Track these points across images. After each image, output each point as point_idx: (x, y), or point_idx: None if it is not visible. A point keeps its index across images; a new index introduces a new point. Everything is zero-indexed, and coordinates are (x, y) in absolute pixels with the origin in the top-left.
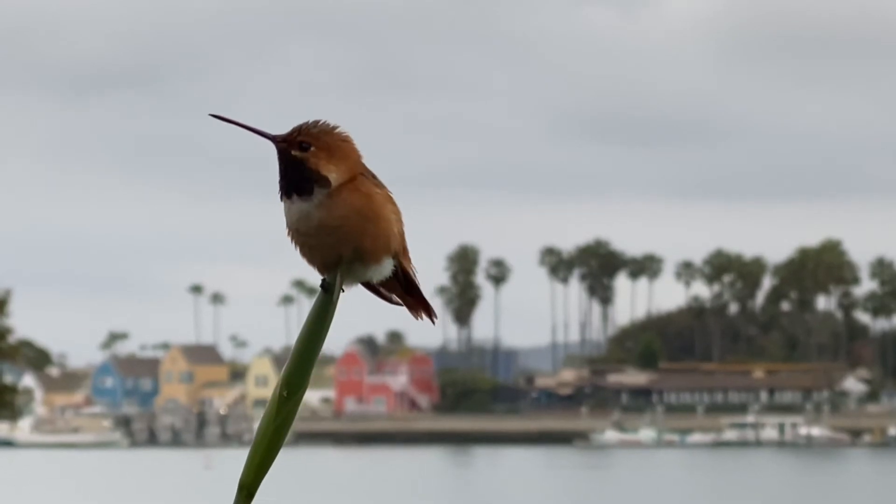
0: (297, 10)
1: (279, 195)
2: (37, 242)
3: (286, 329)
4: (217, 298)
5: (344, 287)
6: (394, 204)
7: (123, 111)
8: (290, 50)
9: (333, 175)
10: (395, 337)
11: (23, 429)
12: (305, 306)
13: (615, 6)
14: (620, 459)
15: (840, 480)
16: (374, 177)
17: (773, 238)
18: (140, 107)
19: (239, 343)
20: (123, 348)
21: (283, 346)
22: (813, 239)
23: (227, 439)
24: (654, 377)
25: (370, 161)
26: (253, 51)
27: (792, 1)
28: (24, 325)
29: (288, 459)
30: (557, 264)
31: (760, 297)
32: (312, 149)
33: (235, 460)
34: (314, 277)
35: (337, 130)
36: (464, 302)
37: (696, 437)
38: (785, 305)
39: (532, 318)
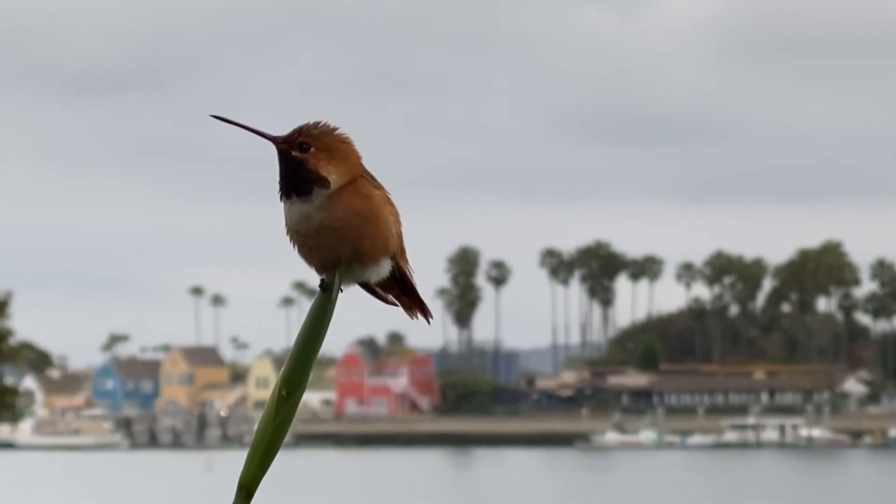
0: (297, 11)
1: (279, 196)
2: (37, 244)
3: (287, 331)
4: (218, 300)
5: (342, 287)
6: (392, 205)
7: (124, 112)
8: (291, 50)
9: (333, 176)
10: (395, 338)
11: (23, 431)
12: (306, 308)
13: (615, 7)
14: (621, 461)
15: (841, 482)
16: (373, 178)
17: (773, 239)
18: (140, 107)
19: (239, 345)
20: (124, 350)
21: (283, 347)
22: (813, 240)
23: (227, 441)
24: (654, 379)
25: (370, 162)
26: (253, 51)
27: (792, 1)
28: (25, 327)
29: (289, 461)
30: (558, 266)
31: (761, 299)
32: (312, 150)
33: (236, 462)
34: (315, 279)
35: (337, 132)
36: (464, 303)
37: (697, 439)
38: (785, 307)
39: (533, 319)
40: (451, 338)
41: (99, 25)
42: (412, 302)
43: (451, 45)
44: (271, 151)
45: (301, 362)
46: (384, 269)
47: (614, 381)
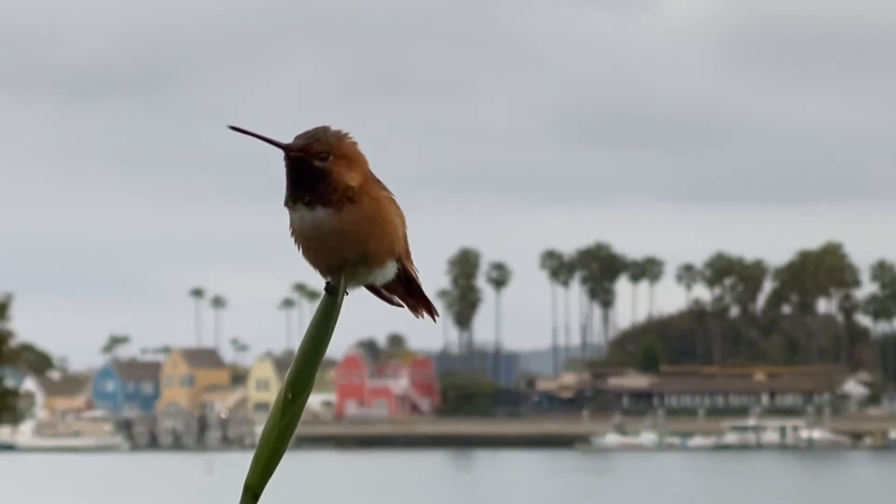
0: (297, 13)
1: (288, 202)
2: (37, 246)
3: (287, 332)
4: (218, 302)
5: (348, 290)
6: (398, 207)
7: (124, 113)
8: (291, 52)
9: (355, 184)
10: (396, 340)
11: (24, 433)
12: (306, 310)
13: (615, 8)
14: (621, 462)
15: (841, 483)
16: (378, 180)
17: (773, 241)
18: (141, 109)
19: (240, 347)
20: (124, 352)
21: (284, 349)
22: (814, 242)
23: (228, 443)
24: (655, 380)
25: (371, 163)
26: (254, 54)
27: (792, 2)
28: (26, 329)
29: (289, 463)
30: (558, 267)
31: (761, 301)
32: (332, 158)
33: (237, 464)
34: (315, 281)
35: (349, 137)
36: (465, 305)
37: (698, 441)
38: (786, 308)
39: (533, 321)
40: (451, 339)
41: (99, 27)
42: (417, 302)
43: (452, 47)
44: (272, 154)
45: (306, 365)
46: (390, 271)
47: (615, 382)
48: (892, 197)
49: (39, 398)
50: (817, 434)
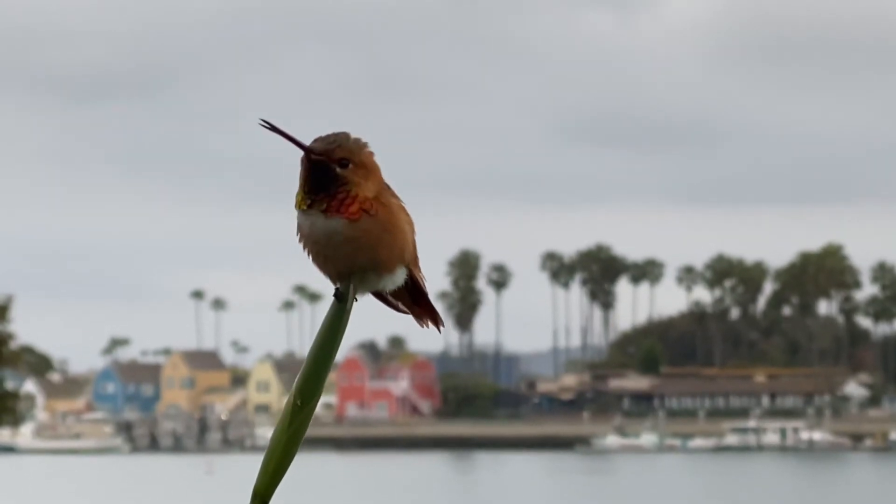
0: (297, 15)
1: (301, 205)
2: (38, 248)
3: (287, 334)
4: (218, 304)
5: (357, 297)
6: (407, 214)
7: (124, 116)
8: (292, 54)
9: (371, 195)
10: (396, 342)
11: (24, 435)
12: (307, 312)
13: (615, 11)
14: (622, 464)
15: (842, 485)
16: (388, 186)
17: (774, 243)
18: (141, 113)
19: (240, 348)
20: (125, 354)
21: (284, 351)
22: (814, 243)
23: (228, 445)
24: (655, 382)
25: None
26: (255, 55)
27: (793, 4)
28: (26, 331)
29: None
30: (559, 269)
31: (762, 302)
32: (351, 166)
33: (237, 465)
34: (316, 282)
35: (368, 146)
36: (465, 307)
37: (698, 442)
38: (786, 310)
39: (533, 323)
40: (451, 341)
41: (101, 31)
42: (423, 311)
43: (452, 49)
44: (273, 157)
45: (315, 372)
46: (399, 277)
47: (615, 384)
48: (892, 198)
49: (40, 400)
50: (818, 435)
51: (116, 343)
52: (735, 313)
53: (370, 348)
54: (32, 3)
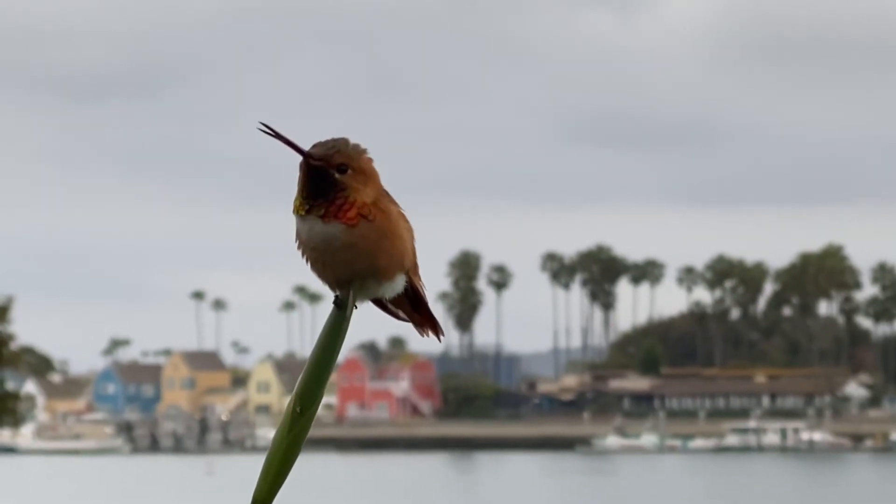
0: (297, 16)
1: (299, 210)
2: (38, 249)
3: (288, 335)
4: (219, 304)
5: (356, 304)
6: (406, 221)
7: (125, 117)
8: (292, 54)
9: (370, 201)
10: (396, 343)
11: (25, 435)
12: (307, 312)
13: (615, 11)
14: (622, 465)
15: (842, 485)
16: (387, 193)
17: (774, 243)
18: (141, 113)
19: (241, 349)
20: (125, 355)
21: (285, 351)
22: (814, 244)
23: (228, 445)
24: (655, 382)
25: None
26: (254, 56)
27: (792, 4)
28: (26, 331)
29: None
30: (559, 270)
31: (762, 303)
32: (350, 171)
33: (237, 466)
34: (316, 284)
35: (367, 152)
36: (465, 308)
37: (698, 443)
38: (787, 311)
39: (534, 323)
40: (452, 342)
41: (102, 32)
42: (423, 318)
43: (452, 49)
44: (273, 158)
45: (315, 378)
46: (398, 284)
47: (615, 384)
48: (892, 199)
49: (40, 401)
50: (818, 436)
51: (117, 344)
52: (735, 314)
53: (371, 349)
54: (32, 3)
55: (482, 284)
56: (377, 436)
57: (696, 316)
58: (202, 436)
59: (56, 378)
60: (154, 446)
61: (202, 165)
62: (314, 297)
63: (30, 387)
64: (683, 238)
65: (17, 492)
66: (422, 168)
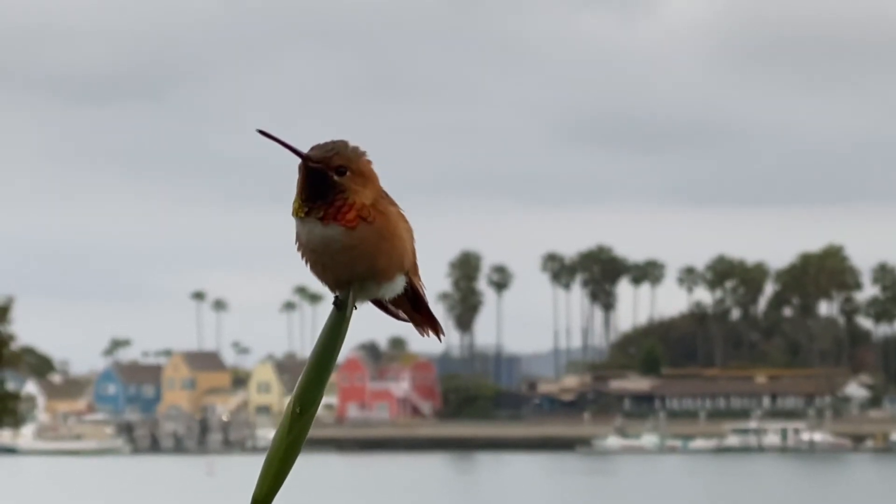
0: (297, 16)
1: (298, 212)
2: (39, 249)
3: (288, 335)
4: (219, 305)
5: (356, 305)
6: (406, 221)
7: (126, 117)
8: (292, 54)
9: (369, 203)
10: (397, 343)
11: (25, 436)
12: (308, 313)
13: (615, 11)
14: (623, 465)
15: (842, 486)
16: (387, 195)
17: (775, 244)
18: (142, 113)
19: (241, 349)
20: (125, 355)
21: (285, 352)
22: (815, 244)
23: (229, 446)
24: (656, 383)
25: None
26: (254, 56)
27: (794, 5)
28: (27, 332)
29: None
30: (559, 270)
31: (763, 303)
32: (349, 173)
33: (238, 467)
34: (316, 284)
35: (366, 155)
36: (466, 308)
37: (699, 443)
38: (787, 311)
39: (534, 324)
40: (452, 342)
41: (102, 33)
42: (423, 318)
43: (452, 50)
44: (273, 159)
45: (315, 379)
46: (398, 285)
47: (616, 385)
48: (893, 199)
49: (41, 401)
50: (818, 436)
51: (117, 344)
52: (736, 314)
53: (371, 349)
54: (32, 3)
55: (482, 285)
56: (377, 436)
57: (697, 316)
58: (203, 436)
59: (56, 378)
60: (154, 447)
61: (202, 165)
62: (315, 298)
63: (30, 387)
64: (684, 238)
65: (18, 492)
66: (422, 168)
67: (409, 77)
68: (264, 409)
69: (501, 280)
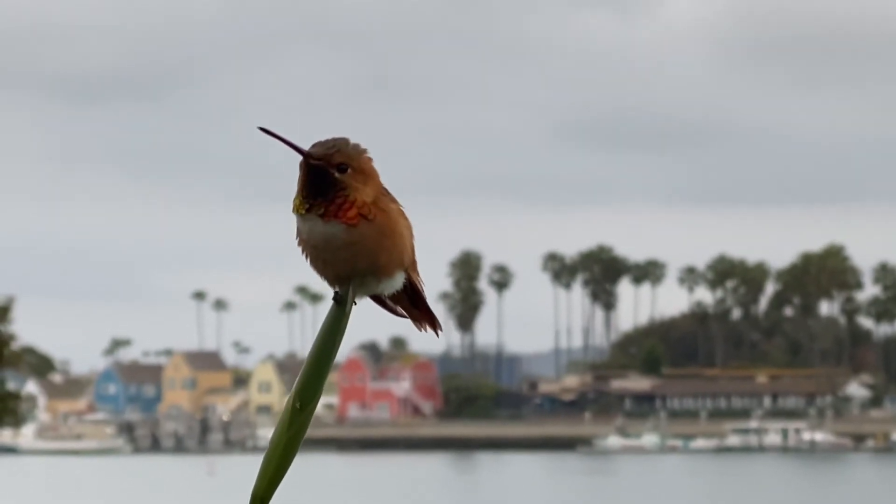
0: (297, 17)
1: (299, 209)
2: (39, 249)
3: (289, 335)
4: (220, 305)
5: (356, 300)
6: (406, 218)
7: (126, 117)
8: (292, 54)
9: (370, 200)
10: (398, 343)
11: (26, 436)
12: (308, 312)
13: (616, 11)
14: (624, 465)
15: (843, 485)
16: (387, 192)
17: (775, 243)
18: (142, 113)
19: (242, 349)
20: (126, 355)
21: (286, 352)
22: (816, 244)
23: (230, 445)
24: (657, 383)
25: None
26: (254, 56)
27: (794, 5)
28: (27, 332)
29: (291, 465)
30: (560, 270)
31: (763, 303)
32: (350, 171)
33: (238, 466)
34: (317, 284)
35: (367, 152)
36: (467, 308)
37: (700, 443)
38: (788, 311)
39: (535, 323)
40: (453, 342)
41: (101, 31)
42: (422, 314)
43: (453, 51)
44: (273, 160)
45: (315, 374)
46: (398, 281)
47: (617, 385)
48: (894, 199)
49: (41, 401)
50: (819, 436)
51: (118, 344)
52: (737, 314)
53: (372, 349)
54: (33, 3)
55: (483, 284)
56: (378, 436)
57: (698, 316)
58: (203, 436)
59: (57, 378)
60: (155, 446)
61: (202, 165)
62: (315, 298)
63: (31, 387)
64: (685, 238)
65: (18, 492)
66: (422, 168)
67: (408, 77)
68: (265, 409)
69: (502, 280)
